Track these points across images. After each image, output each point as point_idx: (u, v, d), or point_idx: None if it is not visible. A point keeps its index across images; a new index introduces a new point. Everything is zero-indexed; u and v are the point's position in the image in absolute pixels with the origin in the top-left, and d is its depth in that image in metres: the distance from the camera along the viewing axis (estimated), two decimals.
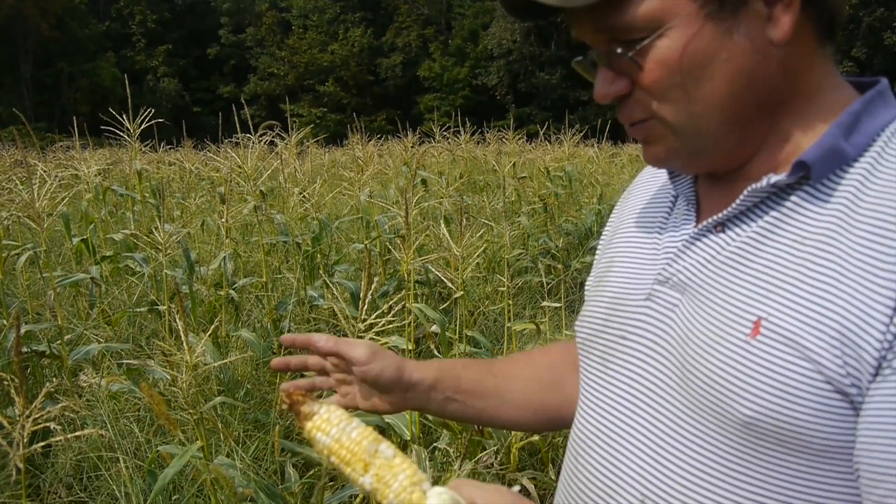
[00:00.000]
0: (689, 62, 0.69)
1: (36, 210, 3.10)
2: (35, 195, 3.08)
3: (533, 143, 10.10)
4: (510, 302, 3.19)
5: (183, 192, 7.34)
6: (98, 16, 47.41)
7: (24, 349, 3.11)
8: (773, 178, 0.71)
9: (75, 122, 6.55)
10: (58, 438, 1.55)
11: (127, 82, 5.39)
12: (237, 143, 5.34)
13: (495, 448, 2.55)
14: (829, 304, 0.64)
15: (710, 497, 0.70)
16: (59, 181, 4.91)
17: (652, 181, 0.94)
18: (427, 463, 2.50)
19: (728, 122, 0.72)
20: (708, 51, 0.69)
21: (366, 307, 1.97)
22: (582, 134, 9.39)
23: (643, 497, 0.74)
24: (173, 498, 2.38)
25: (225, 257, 3.91)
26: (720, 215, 0.75)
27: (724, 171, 0.78)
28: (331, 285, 3.90)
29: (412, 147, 6.79)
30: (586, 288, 0.97)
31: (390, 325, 2.09)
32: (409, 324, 2.75)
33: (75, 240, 4.87)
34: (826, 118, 0.72)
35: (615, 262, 0.89)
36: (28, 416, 1.47)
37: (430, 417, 2.44)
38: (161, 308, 3.73)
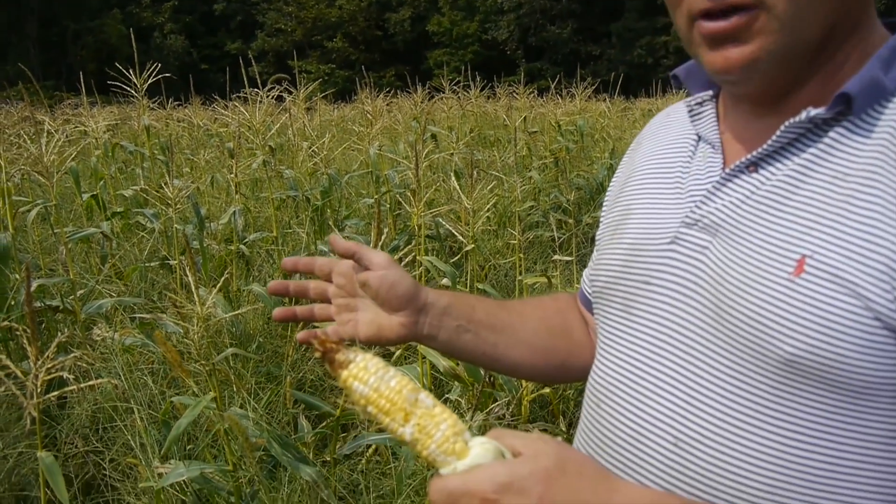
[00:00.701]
0: None
1: (45, 165, 3.09)
2: (43, 150, 3.06)
3: (544, 98, 9.98)
4: (521, 255, 3.18)
5: (192, 148, 7.32)
6: None
7: (38, 304, 3.13)
8: (813, 112, 0.69)
9: (82, 79, 6.50)
10: (71, 388, 1.56)
11: (133, 39, 5.34)
12: (245, 99, 5.30)
13: (506, 400, 2.56)
14: (876, 238, 0.63)
15: (747, 437, 0.69)
16: (67, 137, 4.89)
17: (664, 129, 0.91)
18: None
19: (830, 27, 0.69)
20: None
21: None
22: (593, 88, 9.26)
23: (675, 439, 0.73)
24: (188, 448, 2.41)
25: (235, 212, 3.90)
26: (754, 154, 0.73)
27: (781, 89, 0.74)
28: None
29: (422, 102, 6.72)
30: (598, 239, 0.94)
31: None
32: (420, 277, 2.75)
33: (85, 196, 4.87)
34: (867, 53, 0.71)
35: (633, 208, 0.87)
36: (41, 366, 1.48)
37: (440, 370, 2.44)
38: (172, 263, 3.74)
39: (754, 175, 0.73)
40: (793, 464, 0.67)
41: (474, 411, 2.44)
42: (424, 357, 2.46)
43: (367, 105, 5.39)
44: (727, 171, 0.76)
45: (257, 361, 2.92)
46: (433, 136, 6.29)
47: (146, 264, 3.96)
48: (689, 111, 0.84)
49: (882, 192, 0.64)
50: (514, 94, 8.98)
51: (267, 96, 4.96)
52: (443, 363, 2.41)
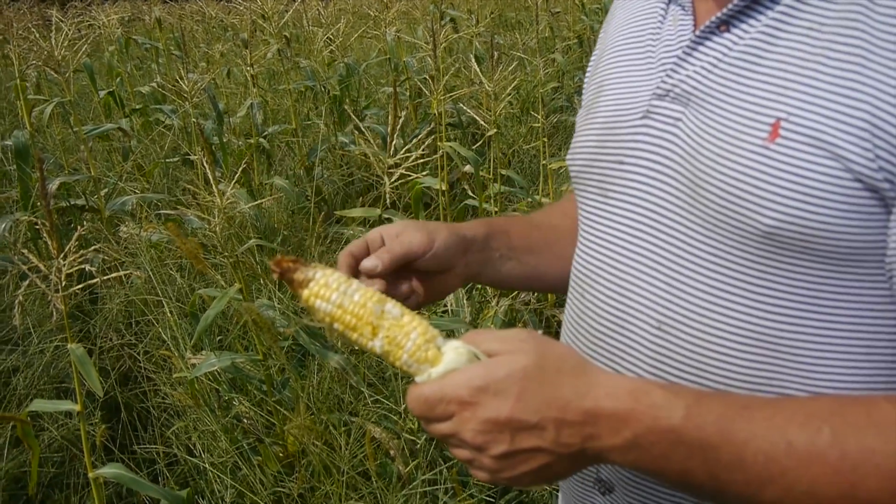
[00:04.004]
0: None
1: (57, 60, 3.03)
2: (53, 44, 2.99)
3: None
4: (545, 140, 3.09)
5: (207, 41, 7.16)
6: None
7: (63, 203, 3.14)
8: None
9: None
10: (95, 281, 1.56)
11: None
12: None
13: None
14: (855, 93, 0.57)
15: (731, 315, 0.66)
16: (79, 31, 4.78)
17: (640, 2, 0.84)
18: (465, 302, 2.52)
19: None
20: None
21: (394, 144, 1.92)
22: None
23: (659, 323, 0.70)
24: (219, 339, 2.45)
25: (253, 105, 3.83)
26: (723, 12, 0.67)
27: None
28: (361, 130, 3.82)
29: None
30: (577, 119, 0.88)
31: (422, 162, 2.04)
32: (443, 164, 2.69)
33: (102, 93, 4.81)
34: None
35: (605, 84, 0.81)
36: (63, 260, 1.47)
37: None
38: (193, 158, 3.72)
39: (726, 35, 0.67)
40: (781, 339, 0.64)
41: (499, 297, 2.44)
42: None
43: None
44: (697, 33, 0.69)
45: (283, 253, 2.93)
46: (452, 20, 6.06)
47: (167, 160, 3.94)
48: None
49: (860, 40, 0.58)
50: None
51: None
52: None
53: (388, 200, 2.15)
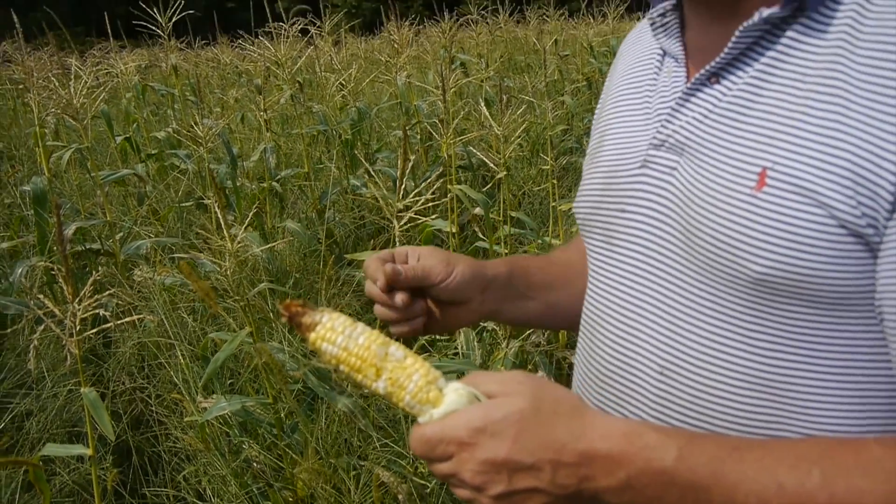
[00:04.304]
0: None
1: (75, 108, 3.10)
2: (72, 92, 3.07)
3: (575, 20, 9.67)
4: (555, 182, 3.12)
5: (221, 87, 7.29)
6: None
7: (79, 247, 3.18)
8: (766, 12, 0.65)
9: (108, 21, 6.46)
10: (109, 326, 1.59)
11: None
12: (271, 35, 5.22)
13: None
14: (837, 142, 0.60)
15: (729, 360, 0.67)
16: (98, 79, 4.90)
17: (635, 46, 0.88)
18: (475, 344, 2.52)
19: None
20: None
21: (404, 187, 1.94)
22: (626, 6, 8.92)
23: (661, 367, 0.72)
24: (230, 382, 2.46)
25: (266, 149, 3.89)
26: (713, 64, 0.70)
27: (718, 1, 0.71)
28: (372, 173, 3.87)
29: (450, 30, 6.56)
30: (584, 164, 0.92)
31: (432, 205, 2.06)
32: (453, 207, 2.72)
33: (119, 139, 4.90)
34: None
35: (607, 133, 0.84)
36: (78, 304, 1.50)
37: None
38: (207, 202, 3.77)
39: (716, 86, 0.70)
40: (778, 382, 0.66)
41: (510, 339, 2.44)
42: None
43: (395, 35, 5.28)
44: (689, 84, 0.72)
45: (294, 297, 2.95)
46: (462, 65, 6.16)
47: (182, 204, 3.99)
48: (652, 24, 0.79)
49: (841, 90, 0.60)
50: (545, 18, 8.72)
51: (291, 29, 4.88)
52: None
53: (398, 243, 2.17)
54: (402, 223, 2.07)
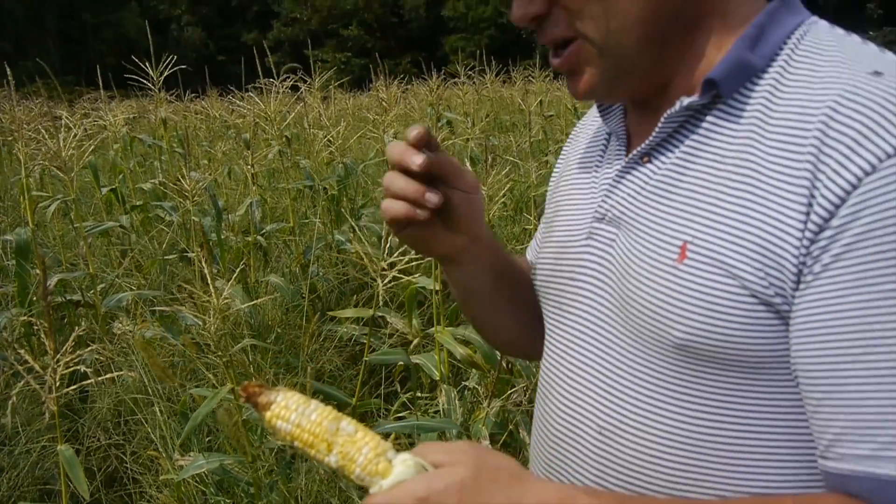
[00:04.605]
0: None
1: (63, 159, 3.12)
2: (61, 144, 3.08)
3: (560, 81, 9.89)
4: None
5: (209, 140, 7.35)
6: None
7: (59, 298, 3.16)
8: (686, 101, 0.72)
9: (99, 72, 6.53)
10: (89, 381, 1.57)
11: (150, 32, 5.35)
12: (261, 90, 5.29)
13: (524, 386, 2.55)
14: (747, 219, 0.66)
15: (659, 421, 0.72)
16: (86, 131, 4.93)
17: (589, 127, 0.94)
18: (456, 402, 2.51)
19: (647, 37, 0.72)
20: None
21: (388, 246, 1.96)
22: None
23: (600, 429, 0.77)
24: (208, 440, 2.43)
25: (252, 203, 3.91)
26: (644, 146, 0.76)
27: (647, 95, 0.78)
28: (357, 230, 3.89)
29: (437, 88, 6.68)
30: (539, 228, 0.99)
31: (415, 264, 2.08)
32: (437, 264, 2.73)
33: (104, 190, 4.90)
34: (735, 33, 0.72)
35: (560, 205, 0.90)
36: (59, 360, 1.49)
37: (457, 357, 2.44)
38: (191, 255, 3.77)
39: (648, 165, 0.76)
40: (703, 443, 0.70)
41: (491, 398, 2.43)
42: (442, 346, 2.46)
43: (383, 93, 5.37)
44: (625, 162, 0.79)
45: (276, 352, 2.93)
46: (448, 123, 6.26)
47: (165, 257, 3.99)
48: (599, 108, 0.86)
49: (752, 171, 0.67)
50: (531, 78, 8.92)
51: (282, 86, 4.95)
52: (460, 351, 2.41)
53: (381, 300, 2.18)
54: (385, 281, 2.09)
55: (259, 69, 4.90)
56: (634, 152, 0.77)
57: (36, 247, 2.98)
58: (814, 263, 0.62)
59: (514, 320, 0.99)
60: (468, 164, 3.16)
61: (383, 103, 5.19)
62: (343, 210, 4.27)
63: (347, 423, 0.71)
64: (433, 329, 2.57)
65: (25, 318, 2.27)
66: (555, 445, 0.83)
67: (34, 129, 3.73)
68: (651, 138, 0.75)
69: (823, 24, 0.73)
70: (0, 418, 2.29)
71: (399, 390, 2.84)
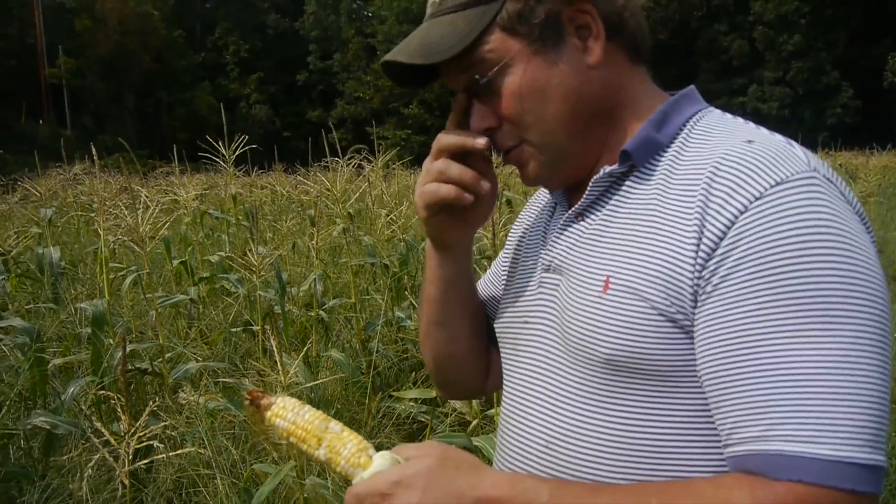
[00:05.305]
0: (529, 88, 0.90)
1: (140, 234, 3.26)
2: (139, 220, 3.23)
3: None
4: None
5: (274, 214, 7.57)
6: (195, 47, 49.69)
7: (129, 367, 3.25)
8: (608, 169, 0.91)
9: (175, 149, 6.86)
10: (160, 455, 1.61)
11: (222, 110, 5.63)
12: (326, 167, 5.47)
13: None
14: (653, 255, 0.82)
15: (594, 430, 0.86)
16: (161, 206, 5.15)
17: (541, 198, 1.13)
18: None
19: (572, 133, 0.92)
20: (542, 78, 0.90)
21: None
22: None
23: (547, 442, 0.91)
24: None
25: (315, 278, 4.00)
26: (577, 206, 0.94)
27: (584, 175, 0.96)
28: (417, 306, 3.92)
29: (497, 167, 6.78)
30: (492, 268, 1.18)
31: None
32: None
33: (175, 262, 5.08)
34: (644, 118, 0.92)
35: (516, 262, 1.08)
36: (133, 434, 1.53)
37: None
38: (255, 328, 3.85)
39: (581, 222, 0.94)
40: (629, 445, 0.84)
41: None
42: None
43: None
44: (562, 222, 0.97)
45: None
46: (508, 202, 6.33)
47: (230, 329, 4.08)
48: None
49: (657, 219, 0.84)
50: None
51: (347, 164, 5.11)
52: None
53: None
54: None
55: (324, 146, 5.08)
56: (570, 212, 0.95)
57: (110, 317, 3.10)
58: (706, 285, 0.78)
59: (469, 334, 1.12)
60: None
61: None
62: (403, 287, 4.33)
63: (335, 424, 0.84)
64: (492, 410, 2.55)
65: (98, 387, 2.34)
66: (508, 459, 0.97)
67: (114, 205, 3.92)
68: (582, 200, 0.93)
69: (717, 111, 0.93)
70: (71, 483, 2.34)
71: None
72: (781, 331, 0.74)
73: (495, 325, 1.08)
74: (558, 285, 0.94)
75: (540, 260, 1.00)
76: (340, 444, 0.82)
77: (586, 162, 0.95)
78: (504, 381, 1.04)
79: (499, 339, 1.07)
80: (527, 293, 1.01)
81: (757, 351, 0.75)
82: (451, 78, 0.95)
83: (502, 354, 1.06)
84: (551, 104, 0.90)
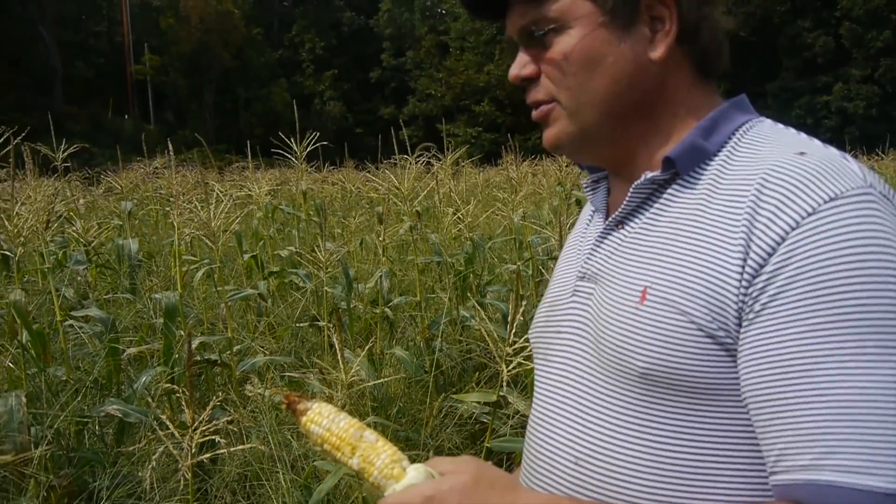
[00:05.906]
0: (582, 55, 0.87)
1: (212, 229, 3.33)
2: (211, 215, 3.30)
3: None
4: None
5: (344, 210, 7.66)
6: (272, 44, 50.81)
7: (198, 358, 3.33)
8: (650, 175, 0.88)
9: (249, 144, 7.01)
10: (222, 451, 1.63)
11: (296, 106, 5.72)
12: (395, 164, 5.49)
13: None
14: (695, 268, 0.79)
15: (627, 447, 0.83)
16: (234, 201, 5.27)
17: (586, 210, 1.11)
18: None
19: (609, 115, 0.89)
20: (599, 50, 0.87)
21: (514, 330, 1.95)
22: None
23: (576, 459, 0.87)
24: None
25: (381, 276, 4.01)
26: (617, 213, 0.92)
27: (612, 165, 0.96)
28: (482, 306, 3.90)
29: (567, 166, 6.70)
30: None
31: None
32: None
33: (246, 256, 5.18)
34: (693, 122, 0.89)
35: (555, 273, 1.08)
36: (195, 429, 1.56)
37: None
38: (321, 324, 3.89)
39: (621, 231, 0.92)
40: (665, 465, 0.80)
41: None
42: None
43: (512, 171, 5.45)
44: (602, 229, 0.95)
45: (396, 428, 2.95)
46: (577, 202, 6.24)
47: (297, 324, 4.13)
48: (585, 189, 1.03)
49: (700, 231, 0.81)
50: None
51: (416, 162, 5.12)
52: None
53: (505, 385, 2.16)
54: (510, 367, 2.07)
55: (394, 142, 5.10)
56: (610, 219, 0.94)
57: (182, 308, 3.18)
58: (753, 303, 0.75)
59: None
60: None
61: (513, 182, 5.26)
62: (469, 286, 4.30)
63: (370, 433, 0.82)
64: None
65: (168, 378, 2.40)
66: (535, 474, 0.94)
67: (188, 200, 4.02)
68: (622, 207, 0.91)
69: (768, 121, 0.91)
70: (140, 472, 2.41)
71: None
72: (835, 355, 0.71)
73: (529, 335, 1.08)
74: (592, 294, 0.92)
75: (577, 268, 0.99)
76: (374, 454, 0.80)
77: (618, 152, 0.94)
78: (534, 393, 1.02)
79: (532, 349, 1.07)
80: (561, 302, 0.99)
81: (809, 375, 0.72)
82: (513, 20, 0.93)
83: (535, 363, 1.05)
84: (599, 78, 0.88)
